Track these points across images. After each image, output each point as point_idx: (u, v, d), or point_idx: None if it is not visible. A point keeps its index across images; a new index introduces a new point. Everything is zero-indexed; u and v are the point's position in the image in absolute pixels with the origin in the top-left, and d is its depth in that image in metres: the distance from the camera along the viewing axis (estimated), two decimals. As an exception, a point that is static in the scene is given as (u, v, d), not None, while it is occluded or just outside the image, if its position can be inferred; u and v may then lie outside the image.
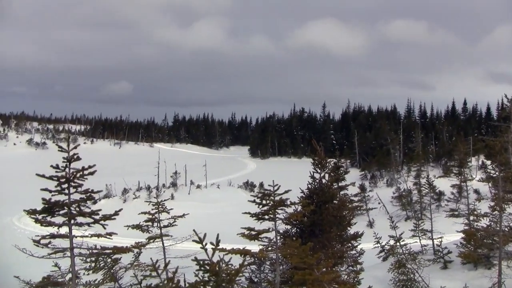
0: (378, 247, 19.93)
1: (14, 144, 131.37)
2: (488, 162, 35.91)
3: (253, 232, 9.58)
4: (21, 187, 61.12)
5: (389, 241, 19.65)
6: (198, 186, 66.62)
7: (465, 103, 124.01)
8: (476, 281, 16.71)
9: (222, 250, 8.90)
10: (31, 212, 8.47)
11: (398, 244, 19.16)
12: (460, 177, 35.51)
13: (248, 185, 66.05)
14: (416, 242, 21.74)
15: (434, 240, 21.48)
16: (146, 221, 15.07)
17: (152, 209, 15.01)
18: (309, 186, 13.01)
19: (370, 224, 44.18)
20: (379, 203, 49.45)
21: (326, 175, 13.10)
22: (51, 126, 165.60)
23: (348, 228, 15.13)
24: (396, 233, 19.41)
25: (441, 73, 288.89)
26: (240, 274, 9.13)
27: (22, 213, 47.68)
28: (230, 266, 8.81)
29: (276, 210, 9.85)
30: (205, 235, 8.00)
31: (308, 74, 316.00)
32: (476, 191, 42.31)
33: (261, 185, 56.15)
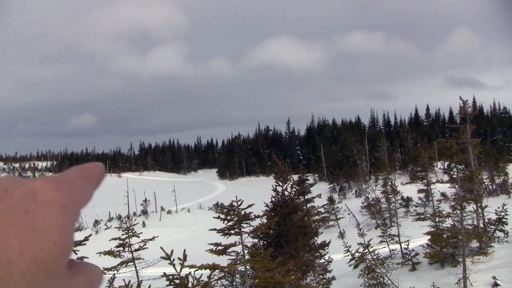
0: (348, 255, 20.39)
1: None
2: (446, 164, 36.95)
3: (220, 247, 9.93)
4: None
5: (358, 249, 20.10)
6: (169, 212, 66.31)
7: (427, 109, 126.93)
8: (443, 279, 17.24)
9: (192, 266, 9.22)
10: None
11: (367, 250, 19.64)
12: (424, 181, 36.31)
13: (218, 207, 65.79)
14: (385, 247, 22.31)
15: (402, 244, 22.06)
16: (117, 246, 15.23)
17: (122, 235, 15.21)
18: (273, 199, 13.42)
19: (341, 235, 44.70)
20: (348, 214, 50.13)
21: (289, 188, 13.53)
22: (17, 165, 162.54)
23: (315, 238, 15.57)
24: (365, 241, 19.90)
25: (401, 82, 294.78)
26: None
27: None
28: (200, 282, 9.13)
29: (242, 224, 10.22)
30: (172, 251, 8.32)
31: (269, 93, 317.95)
32: (443, 194, 43.31)
33: (231, 205, 56.15)
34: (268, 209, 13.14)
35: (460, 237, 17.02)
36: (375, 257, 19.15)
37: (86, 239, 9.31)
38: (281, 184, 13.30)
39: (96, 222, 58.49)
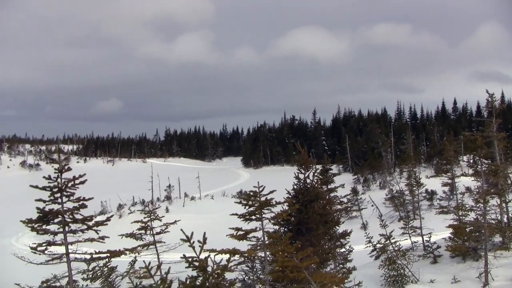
0: (369, 246, 20.30)
1: (8, 167, 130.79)
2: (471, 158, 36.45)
3: (240, 232, 9.99)
4: (18, 208, 61.29)
5: (380, 240, 20.01)
6: (192, 198, 66.78)
7: (454, 103, 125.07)
8: (464, 273, 17.08)
9: (212, 251, 9.30)
10: (28, 222, 8.85)
11: (388, 242, 19.52)
12: (449, 174, 35.94)
13: (242, 195, 66.25)
14: (407, 239, 22.17)
15: (424, 236, 21.89)
16: (139, 229, 15.42)
17: (145, 218, 15.37)
18: (295, 186, 13.43)
19: (364, 226, 44.38)
20: (372, 205, 49.87)
21: (311, 175, 13.51)
22: (43, 148, 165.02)
23: (337, 227, 15.53)
24: (387, 232, 19.79)
25: (428, 75, 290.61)
26: (231, 273, 9.50)
27: (20, 234, 48.30)
28: (220, 265, 9.20)
29: (263, 210, 10.25)
30: (192, 234, 8.39)
31: (295, 82, 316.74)
32: (468, 188, 42.83)
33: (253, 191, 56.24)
34: (290, 196, 13.16)
35: (483, 231, 16.81)
36: (396, 248, 19.03)
37: (108, 219, 9.47)
38: (303, 171, 13.30)
39: (120, 206, 59.28)
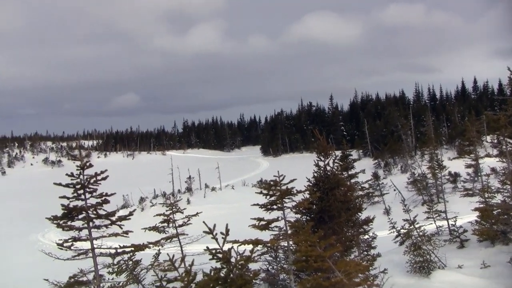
0: (393, 232, 20.12)
1: (31, 164, 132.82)
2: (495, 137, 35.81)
3: (263, 222, 9.96)
4: (43, 205, 62.35)
5: (404, 225, 19.76)
6: (213, 189, 67.13)
7: (475, 82, 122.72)
8: (494, 257, 16.68)
9: (235, 242, 9.29)
10: (53, 219, 8.94)
11: (413, 227, 19.29)
12: (472, 156, 35.45)
13: (262, 184, 66.07)
14: (432, 224, 21.88)
15: (449, 220, 21.56)
16: (161, 222, 15.51)
17: (167, 211, 15.46)
18: (315, 174, 13.34)
19: (387, 212, 44.23)
20: (394, 190, 49.54)
21: (331, 162, 13.42)
22: (64, 144, 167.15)
23: (359, 214, 15.42)
24: (410, 217, 19.54)
25: (446, 54, 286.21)
26: (254, 264, 9.50)
27: (46, 230, 49.11)
28: (243, 257, 9.20)
29: (284, 199, 10.21)
30: (214, 226, 8.40)
31: (310, 68, 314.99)
32: (493, 169, 42.16)
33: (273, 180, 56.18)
34: (310, 184, 13.09)
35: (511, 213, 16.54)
36: (421, 233, 18.82)
37: (131, 213, 9.55)
38: (322, 159, 13.20)
39: (142, 200, 59.87)
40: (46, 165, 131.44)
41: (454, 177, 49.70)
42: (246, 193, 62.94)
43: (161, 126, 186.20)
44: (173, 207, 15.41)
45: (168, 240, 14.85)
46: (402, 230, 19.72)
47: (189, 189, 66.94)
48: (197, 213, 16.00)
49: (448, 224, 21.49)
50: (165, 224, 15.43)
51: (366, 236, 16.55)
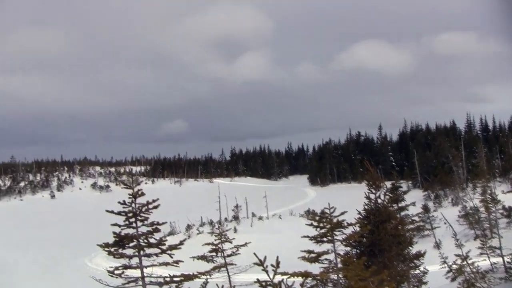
0: (445, 267, 19.53)
1: (80, 189, 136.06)
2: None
3: (312, 255, 9.86)
4: (90, 229, 63.86)
5: (456, 260, 19.14)
6: (260, 218, 66.96)
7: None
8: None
9: (284, 274, 9.21)
10: (104, 246, 9.08)
11: (465, 262, 18.68)
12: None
13: (309, 213, 65.62)
14: (485, 260, 21.11)
15: (505, 257, 20.76)
16: (210, 251, 15.55)
17: (215, 240, 15.50)
18: (365, 207, 13.16)
19: (437, 245, 42.95)
20: (444, 223, 48.13)
21: (382, 195, 13.22)
22: (112, 169, 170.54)
23: (410, 248, 15.07)
24: (463, 251, 18.94)
25: (499, 84, 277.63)
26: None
27: (93, 254, 49.94)
28: (293, 288, 9.09)
29: (334, 232, 10.09)
30: (265, 257, 8.34)
31: (359, 97, 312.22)
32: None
33: (322, 212, 55.85)
34: (361, 216, 12.90)
35: None
36: (474, 270, 18.19)
37: (181, 243, 9.63)
38: (373, 191, 13.02)
39: (189, 227, 60.21)
40: (95, 190, 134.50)
41: (509, 212, 47.85)
42: (293, 222, 62.51)
43: (209, 153, 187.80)
44: (222, 236, 15.46)
45: (217, 270, 14.85)
46: (454, 266, 19.13)
47: (236, 218, 66.98)
48: (246, 243, 15.98)
49: (504, 261, 20.69)
50: (214, 253, 15.47)
51: (417, 271, 16.10)
